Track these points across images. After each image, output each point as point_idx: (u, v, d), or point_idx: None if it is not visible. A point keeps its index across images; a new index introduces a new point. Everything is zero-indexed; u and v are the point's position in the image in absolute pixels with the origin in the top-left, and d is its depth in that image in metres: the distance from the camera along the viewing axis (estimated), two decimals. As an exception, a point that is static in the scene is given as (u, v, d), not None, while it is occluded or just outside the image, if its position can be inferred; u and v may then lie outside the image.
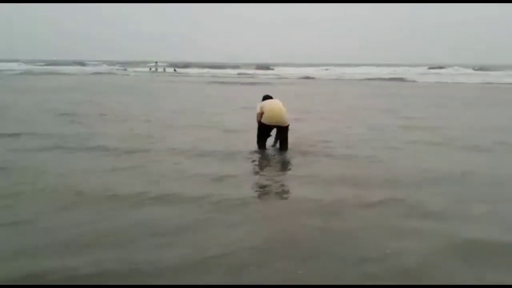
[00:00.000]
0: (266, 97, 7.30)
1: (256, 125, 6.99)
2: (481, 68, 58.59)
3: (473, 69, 58.74)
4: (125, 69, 55.12)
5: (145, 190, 4.46)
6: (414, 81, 33.19)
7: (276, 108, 6.93)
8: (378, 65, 69.70)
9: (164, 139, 7.56)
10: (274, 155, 6.62)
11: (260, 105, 7.09)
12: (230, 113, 11.59)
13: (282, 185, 5.06)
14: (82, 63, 65.60)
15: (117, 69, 55.34)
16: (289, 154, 6.65)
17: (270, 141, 7.07)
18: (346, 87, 25.94)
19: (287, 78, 38.29)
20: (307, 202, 4.27)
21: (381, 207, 4.13)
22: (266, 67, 65.44)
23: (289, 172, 5.70)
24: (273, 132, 7.06)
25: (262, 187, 4.94)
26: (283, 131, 7.02)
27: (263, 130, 7.03)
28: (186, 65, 66.58)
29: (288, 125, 6.98)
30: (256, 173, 5.67)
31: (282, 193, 4.85)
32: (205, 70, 55.34)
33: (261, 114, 6.93)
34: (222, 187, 4.75)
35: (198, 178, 5.08)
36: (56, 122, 9.38)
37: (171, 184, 4.77)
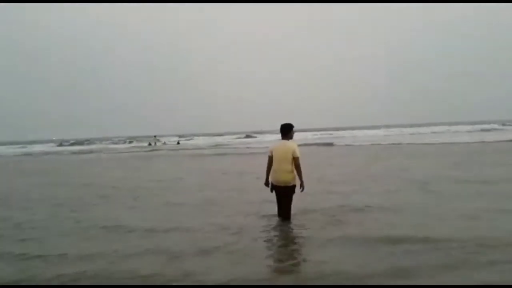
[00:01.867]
0: (283, 130, 6.16)
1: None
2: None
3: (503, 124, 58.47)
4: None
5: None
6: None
7: (276, 164, 6.00)
8: (388, 126, 68.68)
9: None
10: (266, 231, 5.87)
11: (270, 147, 6.24)
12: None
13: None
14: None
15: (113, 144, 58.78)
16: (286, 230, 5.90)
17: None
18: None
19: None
20: None
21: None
22: (250, 135, 66.50)
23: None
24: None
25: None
26: (282, 192, 6.09)
27: (274, 191, 6.18)
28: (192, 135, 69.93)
29: (291, 186, 6.02)
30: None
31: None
32: (199, 141, 57.22)
33: (270, 158, 6.14)
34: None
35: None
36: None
37: None
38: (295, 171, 6.00)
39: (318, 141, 39.26)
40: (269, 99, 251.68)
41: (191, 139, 63.60)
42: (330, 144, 34.48)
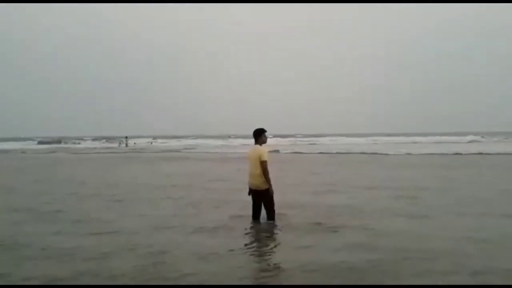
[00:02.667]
0: (254, 135, 6.25)
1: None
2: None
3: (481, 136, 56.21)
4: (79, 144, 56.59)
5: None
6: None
7: (250, 168, 6.14)
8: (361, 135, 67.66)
9: None
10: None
11: (247, 154, 6.36)
12: None
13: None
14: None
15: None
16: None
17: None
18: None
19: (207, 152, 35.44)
20: None
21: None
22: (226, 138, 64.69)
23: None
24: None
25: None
26: (260, 196, 6.18)
27: (251, 195, 6.27)
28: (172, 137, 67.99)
29: (263, 190, 6.06)
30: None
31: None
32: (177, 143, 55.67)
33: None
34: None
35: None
36: None
37: None
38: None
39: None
40: (269, 99, 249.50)
41: (155, 140, 62.13)
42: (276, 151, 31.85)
